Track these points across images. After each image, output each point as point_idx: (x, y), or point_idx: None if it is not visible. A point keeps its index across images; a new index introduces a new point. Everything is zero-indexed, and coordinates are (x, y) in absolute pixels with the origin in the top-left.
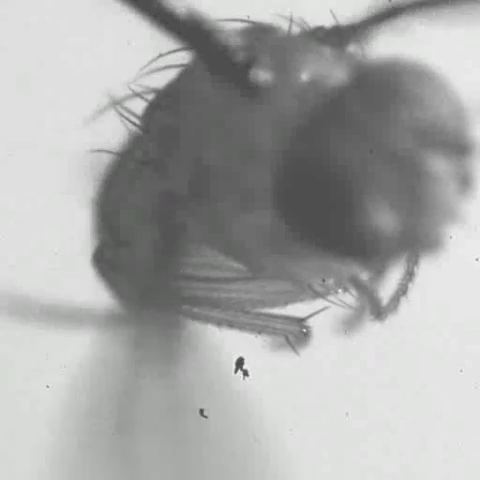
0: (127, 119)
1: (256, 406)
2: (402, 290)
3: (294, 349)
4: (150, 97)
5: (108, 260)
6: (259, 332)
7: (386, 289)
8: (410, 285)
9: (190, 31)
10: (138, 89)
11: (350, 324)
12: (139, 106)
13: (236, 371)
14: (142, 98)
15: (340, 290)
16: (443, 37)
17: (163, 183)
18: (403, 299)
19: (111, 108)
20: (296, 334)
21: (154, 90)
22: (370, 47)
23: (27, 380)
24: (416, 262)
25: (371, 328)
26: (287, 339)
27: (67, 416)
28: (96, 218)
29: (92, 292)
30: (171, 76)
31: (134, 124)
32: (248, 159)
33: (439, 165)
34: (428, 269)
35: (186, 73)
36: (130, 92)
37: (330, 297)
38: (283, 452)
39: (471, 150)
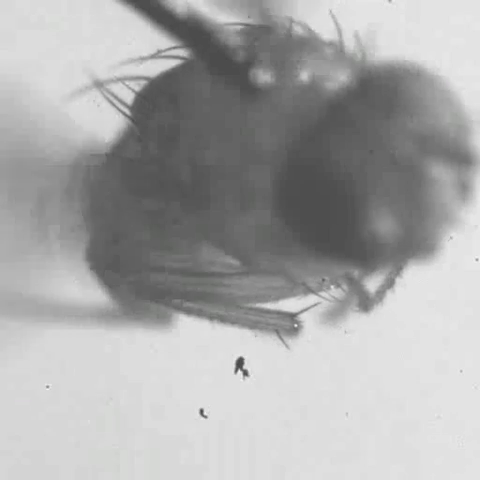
0: (112, 103)
1: (256, 406)
2: (388, 284)
3: (284, 342)
4: (139, 84)
5: (101, 257)
6: (251, 327)
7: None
8: (397, 279)
9: (190, 31)
10: (126, 74)
11: (334, 315)
12: (128, 94)
13: (236, 371)
14: (130, 84)
15: (333, 286)
16: (446, 41)
17: (162, 182)
18: (389, 292)
19: (95, 89)
20: (288, 329)
21: (144, 77)
22: (372, 49)
23: (27, 380)
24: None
25: (371, 328)
26: (278, 333)
27: (68, 416)
28: (89, 214)
29: (91, 291)
30: (164, 66)
31: (122, 112)
32: (248, 159)
33: (439, 170)
34: (428, 269)
35: (186, 73)
36: (116, 76)
37: (322, 292)
38: (283, 452)
39: (472, 156)
